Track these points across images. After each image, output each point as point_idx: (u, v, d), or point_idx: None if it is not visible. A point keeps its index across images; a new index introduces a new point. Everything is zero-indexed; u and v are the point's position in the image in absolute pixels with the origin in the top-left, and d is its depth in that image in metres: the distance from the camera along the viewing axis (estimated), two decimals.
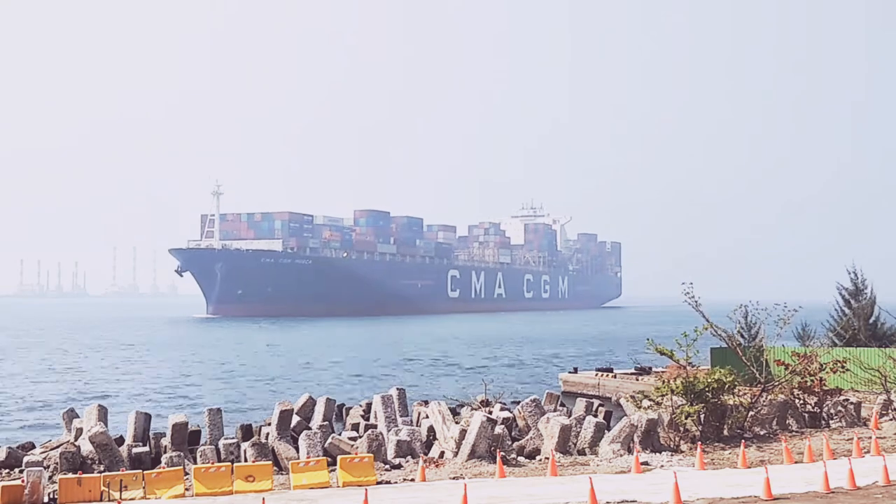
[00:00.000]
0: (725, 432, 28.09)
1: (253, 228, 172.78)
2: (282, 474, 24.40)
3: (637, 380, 44.76)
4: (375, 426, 30.00)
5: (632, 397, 31.02)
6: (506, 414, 29.95)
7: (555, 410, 32.74)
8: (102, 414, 28.94)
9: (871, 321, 48.29)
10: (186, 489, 20.88)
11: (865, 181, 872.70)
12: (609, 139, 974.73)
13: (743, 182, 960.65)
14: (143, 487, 20.51)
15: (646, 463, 23.69)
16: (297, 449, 26.49)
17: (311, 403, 31.36)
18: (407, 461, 25.16)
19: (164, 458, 25.65)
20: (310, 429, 28.31)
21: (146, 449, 26.69)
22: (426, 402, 34.34)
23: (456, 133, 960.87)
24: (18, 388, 53.79)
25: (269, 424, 29.66)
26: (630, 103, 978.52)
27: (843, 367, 33.32)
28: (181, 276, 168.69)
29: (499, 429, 25.50)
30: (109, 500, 19.81)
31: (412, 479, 22.18)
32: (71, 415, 30.83)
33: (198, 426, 29.13)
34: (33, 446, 29.18)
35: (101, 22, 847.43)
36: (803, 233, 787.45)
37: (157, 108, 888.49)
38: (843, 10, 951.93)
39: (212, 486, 20.66)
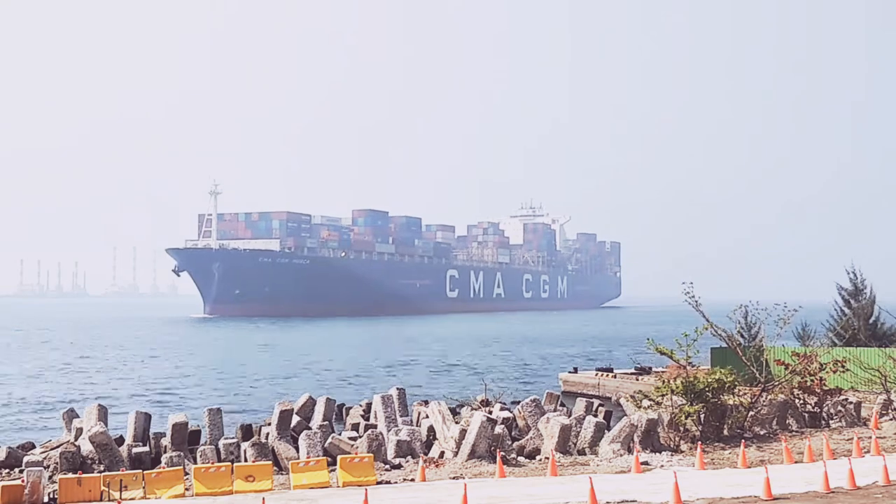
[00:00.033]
0: (725, 432, 28.10)
1: (250, 228, 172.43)
2: (282, 474, 24.39)
3: (637, 380, 44.75)
4: (375, 426, 29.99)
5: (632, 397, 31.01)
6: (506, 414, 29.93)
7: (555, 410, 32.73)
8: (102, 414, 28.94)
9: (870, 321, 48.34)
10: (186, 489, 20.88)
11: (865, 181, 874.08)
12: (609, 139, 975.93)
13: (743, 182, 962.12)
14: (143, 487, 20.51)
15: (646, 463, 23.70)
16: (297, 449, 26.48)
17: (311, 403, 31.35)
18: (407, 461, 25.16)
19: (164, 458, 25.63)
20: (310, 429, 28.30)
21: (146, 449, 26.68)
22: (426, 402, 34.31)
23: (456, 133, 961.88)
24: (18, 389, 53.76)
25: (269, 424, 29.64)
26: (630, 103, 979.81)
27: (843, 366, 33.36)
28: (178, 275, 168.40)
29: (499, 429, 25.50)
30: (109, 500, 19.80)
31: (412, 479, 22.17)
32: (71, 415, 30.81)
33: (198, 426, 29.12)
34: (33, 446, 29.16)
35: (101, 22, 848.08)
36: (803, 233, 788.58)
37: (157, 108, 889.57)
38: (843, 10, 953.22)
39: (212, 486, 20.66)
